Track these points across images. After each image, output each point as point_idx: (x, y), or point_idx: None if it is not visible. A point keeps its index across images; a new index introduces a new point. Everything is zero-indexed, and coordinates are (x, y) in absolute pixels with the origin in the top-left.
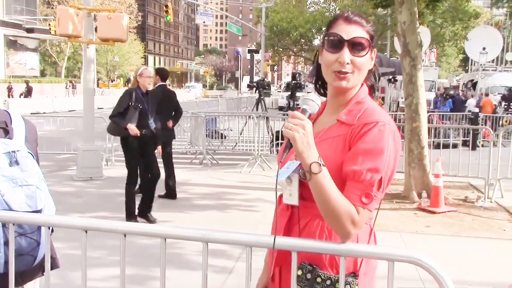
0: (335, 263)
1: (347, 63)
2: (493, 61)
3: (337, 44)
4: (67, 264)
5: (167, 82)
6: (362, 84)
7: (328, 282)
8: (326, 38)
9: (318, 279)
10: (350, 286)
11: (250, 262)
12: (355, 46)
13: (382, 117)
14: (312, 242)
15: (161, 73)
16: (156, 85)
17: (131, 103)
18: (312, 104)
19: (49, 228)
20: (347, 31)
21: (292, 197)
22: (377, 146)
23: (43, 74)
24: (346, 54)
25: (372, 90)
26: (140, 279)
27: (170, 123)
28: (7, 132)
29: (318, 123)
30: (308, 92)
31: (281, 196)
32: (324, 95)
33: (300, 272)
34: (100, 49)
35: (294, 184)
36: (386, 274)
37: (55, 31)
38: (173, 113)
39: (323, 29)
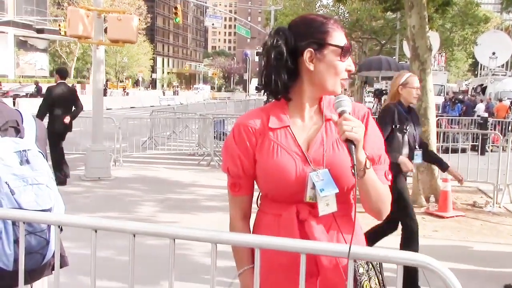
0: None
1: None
2: (502, 66)
3: (347, 53)
4: (76, 263)
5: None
6: None
7: (378, 264)
8: (343, 47)
9: (376, 265)
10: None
11: (258, 263)
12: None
13: (361, 104)
14: (320, 244)
15: (61, 72)
16: (57, 83)
17: (395, 126)
18: (347, 104)
19: (58, 227)
20: (344, 39)
21: (329, 206)
22: (377, 131)
23: (52, 74)
24: (350, 61)
25: None
26: (148, 280)
27: (66, 119)
28: (18, 131)
29: (298, 128)
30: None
31: (300, 205)
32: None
33: (361, 270)
34: (109, 50)
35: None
36: (391, 277)
37: (65, 31)
38: (73, 108)
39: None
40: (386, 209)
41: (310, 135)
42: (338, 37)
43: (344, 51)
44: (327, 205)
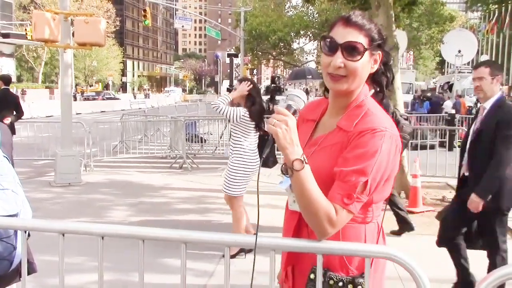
0: (345, 265)
1: (339, 67)
2: (468, 63)
3: (331, 48)
4: (46, 269)
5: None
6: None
7: (340, 283)
8: (322, 41)
9: (331, 282)
10: (362, 286)
11: (228, 262)
12: (349, 50)
13: (379, 123)
14: (292, 241)
15: (4, 79)
16: (1, 89)
17: None
18: (298, 100)
19: (25, 232)
20: (343, 34)
21: (296, 203)
22: (367, 150)
23: (19, 79)
24: (338, 58)
25: (378, 94)
26: (120, 283)
27: (6, 120)
28: None
29: (321, 125)
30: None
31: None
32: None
33: (312, 276)
34: (78, 54)
35: None
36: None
37: (31, 36)
38: (15, 112)
39: (302, 32)
40: (317, 227)
41: (318, 134)
42: (334, 31)
43: (323, 44)
44: (294, 202)
